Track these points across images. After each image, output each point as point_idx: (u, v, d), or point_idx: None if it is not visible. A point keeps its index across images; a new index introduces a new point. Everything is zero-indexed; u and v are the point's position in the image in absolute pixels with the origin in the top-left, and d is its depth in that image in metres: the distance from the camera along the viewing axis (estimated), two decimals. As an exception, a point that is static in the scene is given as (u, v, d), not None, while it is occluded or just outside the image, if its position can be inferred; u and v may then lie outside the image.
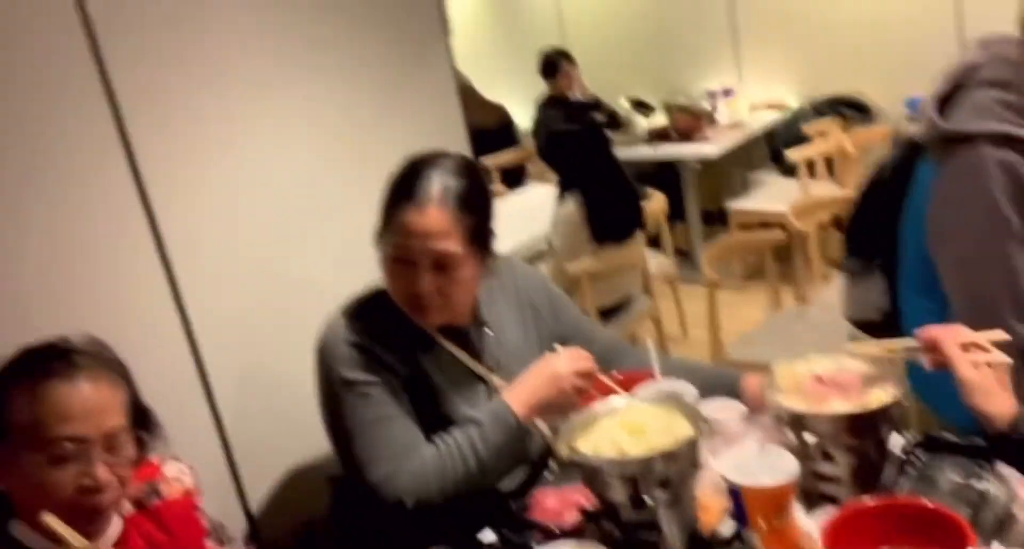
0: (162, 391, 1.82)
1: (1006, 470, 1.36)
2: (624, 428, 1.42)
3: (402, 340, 1.72)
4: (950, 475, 1.37)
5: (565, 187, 3.67)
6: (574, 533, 1.46)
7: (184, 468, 1.57)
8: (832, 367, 1.51)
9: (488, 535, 1.54)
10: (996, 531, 1.29)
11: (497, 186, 5.38)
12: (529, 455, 1.73)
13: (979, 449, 1.40)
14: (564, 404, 1.64)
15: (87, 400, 1.31)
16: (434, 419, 1.69)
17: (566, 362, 1.66)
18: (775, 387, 1.49)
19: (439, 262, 1.63)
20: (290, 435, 2.07)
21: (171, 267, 1.89)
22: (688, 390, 1.66)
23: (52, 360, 1.32)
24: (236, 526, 2.01)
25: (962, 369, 1.38)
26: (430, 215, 1.62)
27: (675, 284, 4.37)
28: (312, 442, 1.78)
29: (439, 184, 1.63)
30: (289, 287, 2.11)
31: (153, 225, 1.86)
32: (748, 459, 1.34)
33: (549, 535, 1.48)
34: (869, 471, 1.42)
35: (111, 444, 1.32)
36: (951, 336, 1.42)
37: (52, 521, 1.24)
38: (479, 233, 1.68)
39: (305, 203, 2.15)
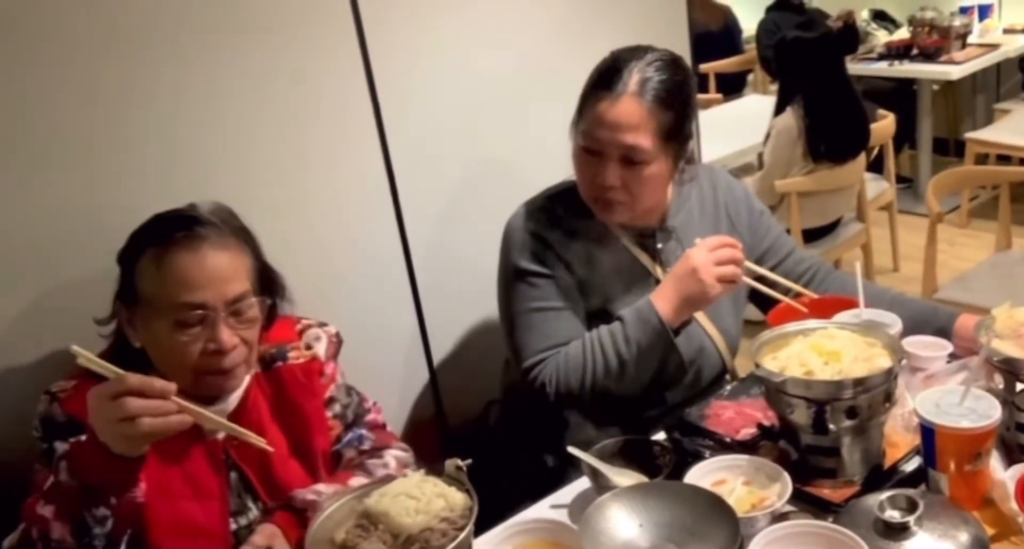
0: (370, 253, 1.98)
1: None
2: (815, 351, 1.37)
3: (583, 236, 1.72)
4: None
5: (786, 98, 3.48)
6: (748, 447, 1.44)
7: (321, 334, 1.57)
8: (1060, 317, 1.38)
9: (660, 437, 1.55)
10: None
11: (712, 93, 5.19)
12: (682, 360, 1.66)
13: None
14: (711, 297, 1.58)
15: (209, 269, 1.33)
16: (602, 317, 1.70)
17: (703, 254, 1.58)
18: (992, 329, 1.39)
19: (627, 156, 1.60)
20: (475, 309, 2.18)
21: (387, 142, 1.97)
22: (893, 322, 1.57)
23: (177, 229, 1.34)
24: (421, 384, 2.14)
25: None
26: (623, 106, 1.58)
27: (892, 213, 4.11)
28: (495, 319, 1.85)
29: (638, 76, 1.59)
30: (490, 169, 2.17)
31: (377, 108, 1.94)
32: (948, 400, 1.27)
33: (723, 445, 1.47)
34: (1084, 431, 1.31)
35: (235, 309, 1.35)
36: None
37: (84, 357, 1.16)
38: (673, 131, 1.62)
39: (515, 92, 2.17)
